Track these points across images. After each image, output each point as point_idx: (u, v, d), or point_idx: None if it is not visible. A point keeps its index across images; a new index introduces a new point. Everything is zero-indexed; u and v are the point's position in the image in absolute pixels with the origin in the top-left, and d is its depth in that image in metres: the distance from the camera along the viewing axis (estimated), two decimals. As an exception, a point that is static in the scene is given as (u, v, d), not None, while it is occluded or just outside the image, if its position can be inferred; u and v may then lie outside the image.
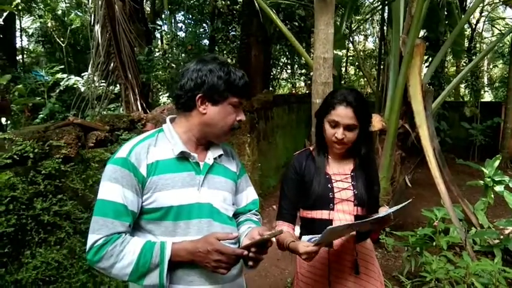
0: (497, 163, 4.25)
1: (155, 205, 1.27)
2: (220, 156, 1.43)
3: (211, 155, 1.40)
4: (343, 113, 1.58)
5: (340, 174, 1.69)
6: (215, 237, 1.22)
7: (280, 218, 1.75)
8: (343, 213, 1.63)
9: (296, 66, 11.53)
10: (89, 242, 1.20)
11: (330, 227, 1.38)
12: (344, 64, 13.88)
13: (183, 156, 1.33)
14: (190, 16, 9.60)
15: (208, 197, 1.34)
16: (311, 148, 1.79)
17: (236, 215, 1.51)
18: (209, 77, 1.30)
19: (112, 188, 1.23)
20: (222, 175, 1.42)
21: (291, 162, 1.81)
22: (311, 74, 2.79)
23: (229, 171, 1.47)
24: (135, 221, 1.28)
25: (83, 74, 5.47)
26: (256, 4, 3.72)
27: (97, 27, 4.40)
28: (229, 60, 11.88)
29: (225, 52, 9.53)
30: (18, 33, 9.12)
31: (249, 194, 1.57)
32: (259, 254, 1.27)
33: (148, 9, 10.42)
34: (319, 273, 1.69)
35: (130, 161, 1.25)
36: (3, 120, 3.55)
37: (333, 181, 1.66)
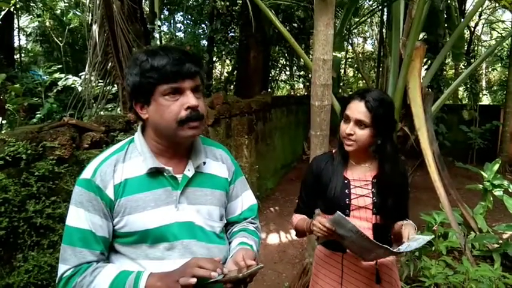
0: (496, 167, 4.23)
1: (127, 229, 1.13)
2: (205, 163, 1.25)
3: (191, 165, 1.21)
4: (355, 107, 1.54)
5: (360, 179, 1.62)
6: (195, 265, 1.05)
7: (298, 212, 1.77)
8: (359, 221, 1.57)
9: (295, 67, 11.52)
10: (59, 273, 1.11)
11: (339, 213, 1.35)
12: (343, 66, 13.88)
13: (156, 171, 1.16)
14: (189, 17, 9.58)
15: (189, 214, 1.18)
16: (334, 151, 1.74)
17: (231, 223, 1.37)
18: (129, 79, 1.12)
19: (78, 214, 1.11)
20: (207, 186, 1.23)
21: (311, 162, 1.78)
22: (310, 75, 2.77)
23: (218, 179, 1.28)
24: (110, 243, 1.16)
25: (80, 74, 5.43)
26: (249, 5, 3.69)
27: (95, 27, 4.36)
28: (227, 61, 11.90)
29: (223, 53, 9.51)
30: (16, 32, 9.07)
31: (245, 200, 1.38)
32: (237, 287, 1.10)
33: (147, 9, 10.40)
34: (333, 277, 1.67)
35: (95, 183, 1.11)
36: (-1, 120, 3.51)
37: (352, 186, 1.60)
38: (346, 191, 1.60)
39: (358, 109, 1.52)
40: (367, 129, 1.52)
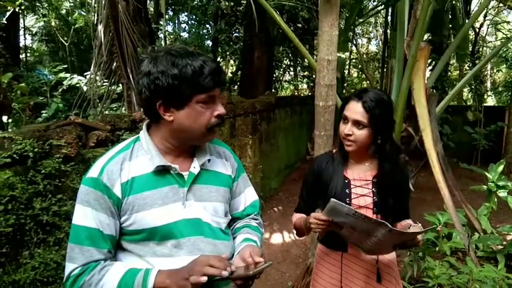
0: (501, 168, 4.21)
1: (135, 227, 1.14)
2: (209, 160, 1.27)
3: (197, 163, 1.22)
4: (353, 107, 1.55)
5: (360, 179, 1.63)
6: (205, 264, 1.06)
7: (298, 212, 1.78)
8: None
9: (299, 68, 11.53)
10: (66, 271, 1.11)
11: (333, 200, 1.36)
12: (347, 67, 13.86)
13: (162, 169, 1.17)
14: (194, 17, 9.60)
15: (196, 211, 1.19)
16: (334, 151, 1.76)
17: (234, 219, 1.38)
18: (162, 79, 1.08)
19: (85, 212, 1.12)
20: (212, 183, 1.25)
21: (312, 162, 1.80)
22: (314, 76, 2.78)
23: (222, 176, 1.30)
24: (117, 241, 1.17)
25: (86, 73, 5.47)
26: (253, 5, 3.70)
27: (100, 27, 4.39)
28: (231, 62, 11.91)
29: (228, 53, 9.53)
30: (21, 32, 9.14)
31: (248, 196, 1.41)
32: (246, 284, 1.13)
33: (152, 9, 10.44)
34: (333, 275, 1.69)
35: (102, 182, 1.12)
36: (5, 118, 3.54)
37: (352, 186, 1.61)
38: (347, 190, 1.61)
39: (355, 110, 1.54)
40: (365, 129, 1.54)
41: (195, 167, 1.22)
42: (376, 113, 1.51)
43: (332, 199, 1.37)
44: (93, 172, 1.14)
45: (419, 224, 1.59)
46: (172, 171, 1.18)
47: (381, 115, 1.53)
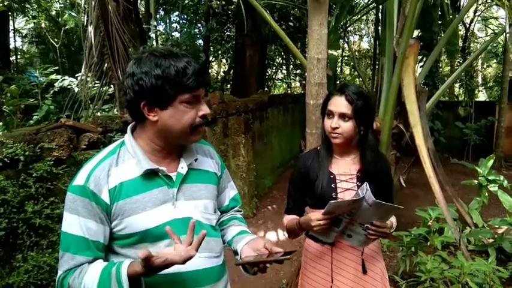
0: (491, 162, 4.26)
1: (127, 231, 1.15)
2: (196, 160, 1.29)
3: (184, 163, 1.24)
4: (336, 102, 1.62)
5: (345, 174, 1.69)
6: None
7: (288, 213, 1.82)
8: None
9: (291, 66, 11.55)
10: (56, 278, 1.15)
11: (333, 201, 1.42)
12: (339, 64, 13.90)
13: (150, 172, 1.17)
14: (185, 16, 9.57)
15: (186, 210, 1.21)
16: (318, 147, 1.80)
17: (220, 213, 1.43)
18: (145, 80, 1.10)
19: (72, 220, 1.13)
20: (201, 181, 1.28)
21: (297, 161, 1.85)
22: (306, 74, 2.80)
23: (209, 174, 1.33)
24: (108, 246, 1.18)
25: (77, 75, 5.44)
26: (242, 6, 3.70)
27: (90, 28, 4.37)
28: (223, 61, 11.90)
29: (219, 52, 9.51)
30: (11, 34, 9.06)
31: (230, 191, 1.48)
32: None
33: (142, 9, 10.39)
34: (323, 270, 1.72)
35: (89, 189, 1.12)
36: (-5, 121, 3.52)
37: (337, 181, 1.67)
38: (332, 185, 1.67)
39: (340, 103, 1.61)
40: (350, 121, 1.61)
41: (182, 167, 1.24)
42: (358, 105, 1.59)
43: (330, 202, 1.43)
44: (79, 180, 1.14)
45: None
46: (160, 174, 1.19)
47: (363, 106, 1.61)
